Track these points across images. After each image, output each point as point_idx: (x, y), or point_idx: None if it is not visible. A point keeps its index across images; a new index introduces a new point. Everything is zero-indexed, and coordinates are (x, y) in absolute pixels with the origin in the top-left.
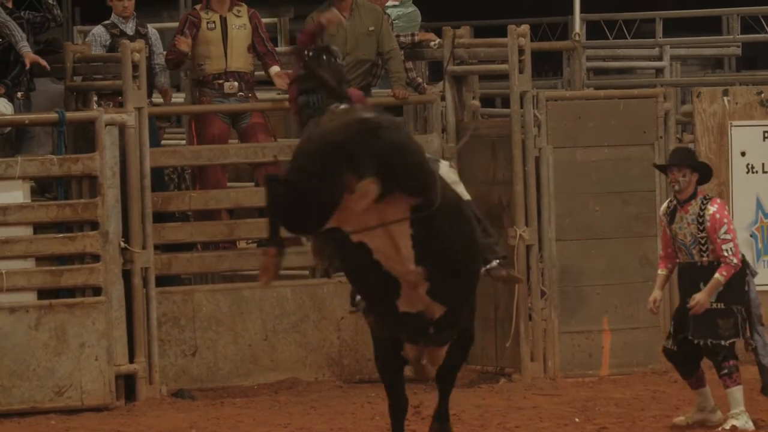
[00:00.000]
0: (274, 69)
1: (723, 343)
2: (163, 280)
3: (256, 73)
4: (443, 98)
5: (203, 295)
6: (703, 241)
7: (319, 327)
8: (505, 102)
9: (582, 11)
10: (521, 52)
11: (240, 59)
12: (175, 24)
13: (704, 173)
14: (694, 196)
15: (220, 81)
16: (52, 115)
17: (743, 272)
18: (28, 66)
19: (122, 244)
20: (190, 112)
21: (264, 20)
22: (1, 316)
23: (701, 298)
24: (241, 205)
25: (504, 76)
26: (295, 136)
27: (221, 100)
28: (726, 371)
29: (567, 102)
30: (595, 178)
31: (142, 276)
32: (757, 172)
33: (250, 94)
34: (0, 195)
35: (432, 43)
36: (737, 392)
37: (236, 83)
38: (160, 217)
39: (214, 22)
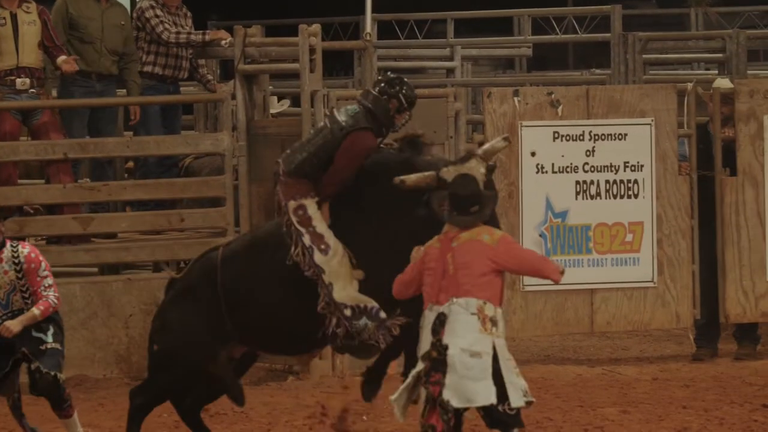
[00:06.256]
0: (61, 57)
1: None
2: None
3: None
4: (234, 97)
5: None
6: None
7: (108, 324)
8: (296, 101)
9: (373, 11)
10: (312, 51)
11: (31, 55)
12: None
13: None
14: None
15: (12, 77)
16: None
17: None
18: None
19: None
20: None
21: None
22: None
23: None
24: (31, 203)
25: (295, 75)
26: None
27: (13, 96)
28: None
29: None
30: None
31: None
32: (546, 172)
33: (42, 90)
34: None
35: (223, 42)
36: None
37: (28, 80)
38: None
39: (4, 18)
